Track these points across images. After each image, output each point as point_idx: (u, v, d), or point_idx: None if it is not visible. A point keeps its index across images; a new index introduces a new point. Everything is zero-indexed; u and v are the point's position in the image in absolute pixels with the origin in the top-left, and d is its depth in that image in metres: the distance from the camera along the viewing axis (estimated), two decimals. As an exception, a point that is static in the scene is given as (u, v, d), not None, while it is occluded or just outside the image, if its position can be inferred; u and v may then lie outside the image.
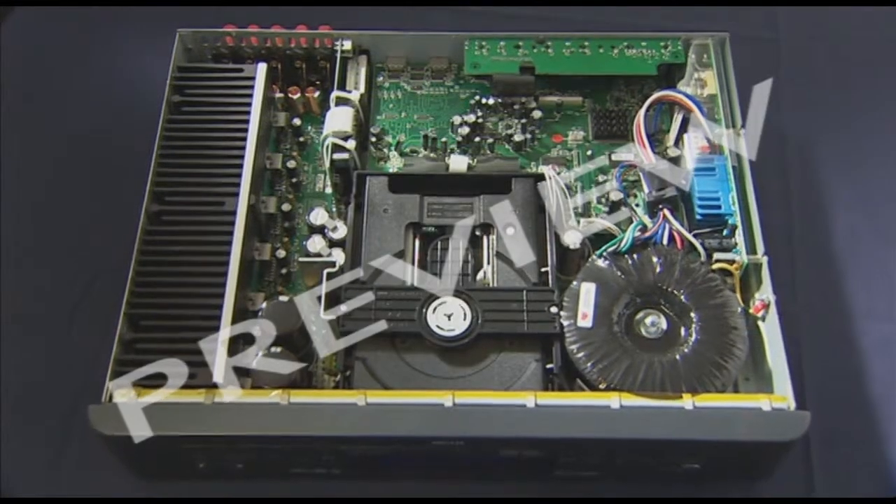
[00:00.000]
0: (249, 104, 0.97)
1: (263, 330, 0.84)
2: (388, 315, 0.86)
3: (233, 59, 1.06)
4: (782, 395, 0.83)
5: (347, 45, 1.05)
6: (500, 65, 1.05)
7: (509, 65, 1.05)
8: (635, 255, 0.89)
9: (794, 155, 1.09)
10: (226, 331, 0.84)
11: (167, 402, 0.81)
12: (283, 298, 0.86)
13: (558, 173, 0.96)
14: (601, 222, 0.94)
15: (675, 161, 0.97)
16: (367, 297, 0.86)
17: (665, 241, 0.91)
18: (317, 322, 0.86)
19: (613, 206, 0.97)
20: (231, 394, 0.82)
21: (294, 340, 0.85)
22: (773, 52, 1.17)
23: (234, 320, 0.86)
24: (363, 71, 1.06)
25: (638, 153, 0.99)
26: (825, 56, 1.16)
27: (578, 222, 0.95)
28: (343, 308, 0.85)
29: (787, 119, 1.10)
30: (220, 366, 0.83)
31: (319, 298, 0.86)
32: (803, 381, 0.91)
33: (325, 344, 0.86)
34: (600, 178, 1.00)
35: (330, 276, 0.87)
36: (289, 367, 0.83)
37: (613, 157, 1.02)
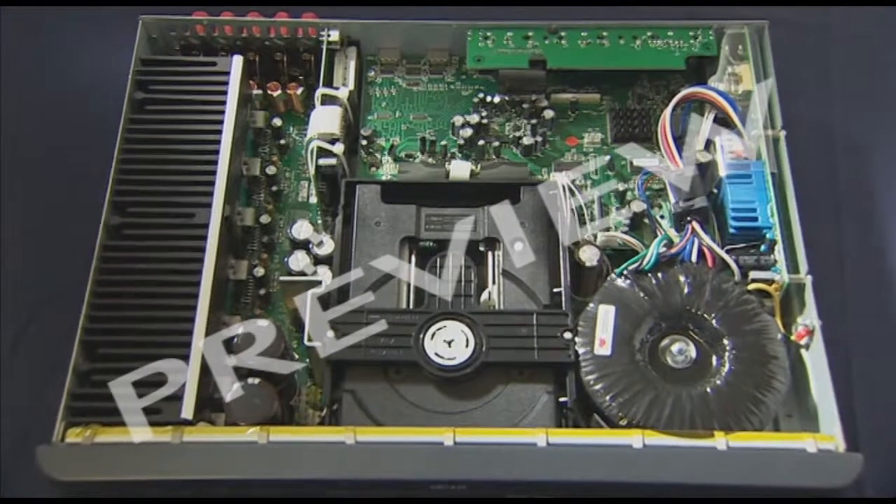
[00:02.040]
0: (223, 102, 0.99)
1: (239, 359, 0.86)
2: (380, 341, 0.87)
3: (204, 50, 1.08)
4: (829, 435, 0.84)
5: (334, 35, 1.07)
6: (506, 58, 1.07)
7: (517, 58, 1.07)
8: (660, 274, 0.91)
9: (844, 159, 1.10)
10: (196, 360, 0.86)
11: (129, 443, 0.82)
12: (262, 322, 0.87)
13: (573, 181, 0.98)
14: (621, 237, 0.97)
15: (706, 167, 0.99)
16: (359, 322, 0.88)
17: (694, 258, 0.93)
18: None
19: (635, 219, 0.99)
20: (202, 432, 0.83)
21: (274, 371, 0.86)
22: (820, 41, 1.18)
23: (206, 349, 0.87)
24: (352, 65, 1.08)
25: (663, 158, 1.01)
26: (883, 45, 1.17)
27: (595, 237, 0.97)
28: (329, 334, 0.87)
29: (837, 118, 1.12)
30: (189, 400, 0.84)
31: (303, 323, 0.88)
32: (854, 419, 0.92)
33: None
34: (620, 186, 1.02)
35: (315, 297, 0.89)
36: (268, 400, 0.84)
37: (635, 163, 1.04)
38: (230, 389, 0.84)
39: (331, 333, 0.87)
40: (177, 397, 0.84)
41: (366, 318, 0.88)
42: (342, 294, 0.90)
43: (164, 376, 0.84)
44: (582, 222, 0.98)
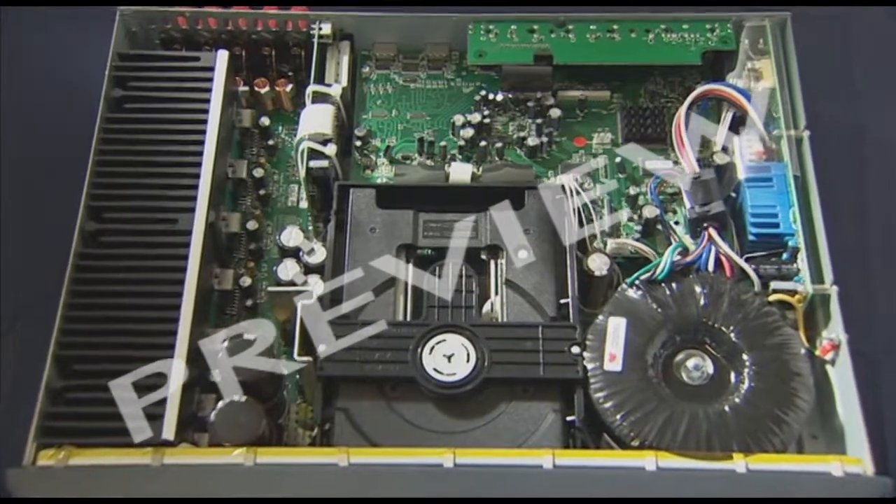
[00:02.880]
0: (207, 100, 0.99)
1: (224, 375, 0.86)
2: (375, 356, 0.88)
3: (186, 44, 1.08)
4: (856, 457, 0.84)
5: (326, 28, 1.07)
6: (510, 53, 1.07)
7: (522, 53, 1.07)
8: (674, 284, 0.92)
9: (871, 161, 1.10)
10: (178, 376, 0.86)
11: (106, 465, 0.82)
12: (249, 336, 0.88)
13: (581, 184, 0.99)
14: (633, 244, 0.97)
15: (724, 170, 1.00)
16: (353, 333, 0.88)
17: (711, 267, 0.93)
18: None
19: (648, 225, 1.00)
20: (185, 453, 0.83)
21: (262, 388, 0.87)
22: (846, 34, 1.18)
23: (190, 360, 0.87)
24: (345, 60, 1.08)
25: (678, 160, 1.01)
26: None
27: (605, 244, 0.97)
28: (322, 348, 0.88)
29: (864, 118, 1.12)
30: (170, 419, 0.84)
31: (292, 336, 0.88)
32: (883, 440, 0.93)
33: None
34: (632, 190, 1.03)
35: (305, 310, 0.90)
36: (255, 419, 0.85)
37: (648, 166, 1.04)
38: (214, 407, 0.84)
39: (323, 347, 0.87)
40: (157, 416, 0.84)
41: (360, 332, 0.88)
42: (335, 305, 0.90)
43: (143, 391, 0.85)
44: (591, 228, 0.98)
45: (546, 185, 0.97)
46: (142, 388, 0.85)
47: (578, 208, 0.96)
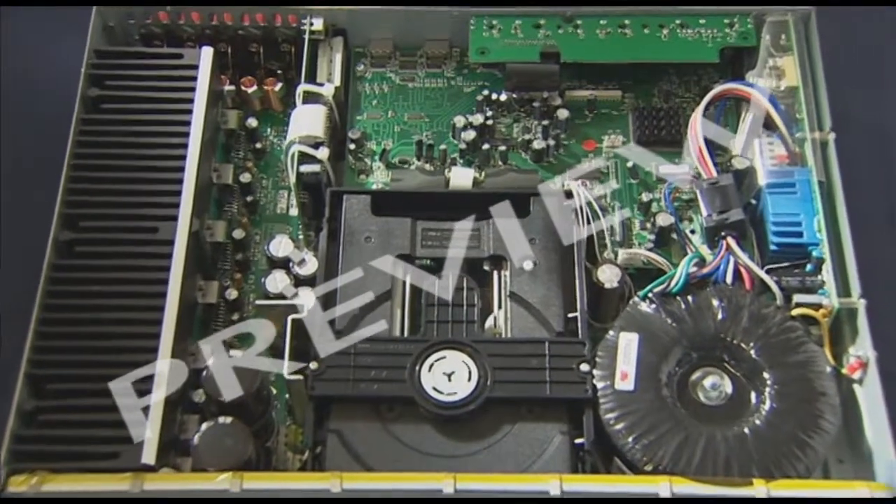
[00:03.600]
0: (191, 100, 1.00)
1: (208, 394, 0.86)
2: (370, 374, 0.88)
3: (168, 40, 1.09)
4: (885, 483, 0.85)
5: (318, 23, 1.08)
6: (515, 50, 1.08)
7: (527, 50, 1.08)
8: (690, 298, 0.92)
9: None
10: (160, 396, 0.86)
11: (82, 492, 0.82)
12: (236, 353, 0.88)
13: (590, 190, 0.99)
14: (645, 254, 0.97)
15: (743, 175, 1.00)
16: (345, 351, 0.89)
17: (729, 279, 0.93)
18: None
19: (662, 234, 1.00)
20: (166, 479, 0.84)
21: (249, 408, 0.87)
22: (875, 30, 1.19)
23: (172, 381, 0.88)
24: (339, 57, 1.09)
25: (694, 164, 1.02)
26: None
27: (616, 254, 0.98)
28: (313, 366, 0.88)
29: (894, 119, 1.13)
30: (151, 442, 0.84)
31: (282, 352, 0.89)
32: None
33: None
34: (645, 196, 1.03)
35: (295, 324, 0.90)
36: (241, 442, 0.85)
37: (662, 170, 1.05)
38: (198, 429, 0.85)
39: (314, 364, 0.88)
40: (136, 440, 0.84)
41: (354, 348, 0.89)
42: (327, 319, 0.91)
43: (120, 417, 0.85)
44: (601, 237, 0.99)
45: (550, 190, 0.97)
46: (122, 408, 0.85)
47: (588, 216, 0.96)
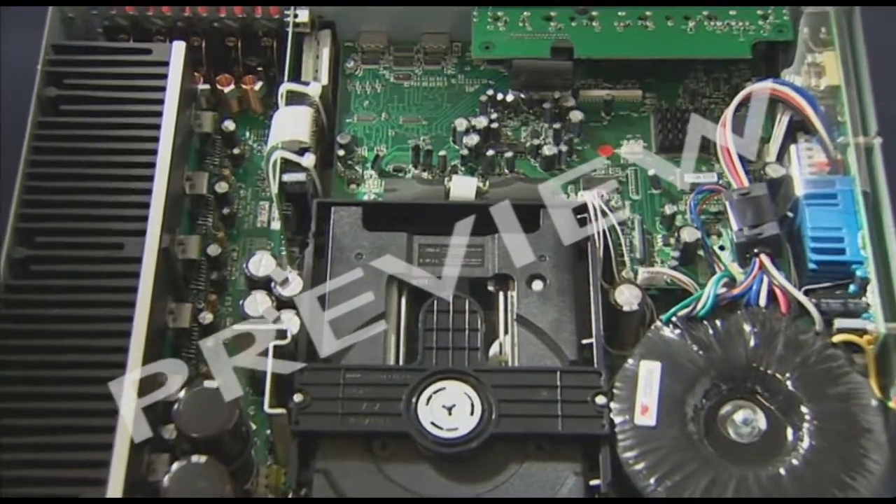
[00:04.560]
0: (161, 101, 1.00)
1: (180, 430, 0.87)
2: (362, 407, 0.89)
3: (135, 34, 1.10)
4: (936, 529, 0.86)
5: (303, 14, 1.09)
6: (522, 45, 1.09)
7: (536, 45, 1.08)
8: (719, 322, 0.93)
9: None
10: (125, 432, 0.87)
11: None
12: (210, 383, 0.89)
13: (607, 202, 1.01)
14: (669, 273, 0.98)
15: (778, 184, 1.01)
16: (333, 382, 0.90)
17: (762, 302, 0.94)
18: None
19: (687, 250, 1.01)
20: (133, 524, 0.84)
21: (225, 445, 0.88)
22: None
23: (139, 416, 0.88)
24: (326, 53, 1.10)
25: (724, 172, 1.03)
26: None
27: (636, 273, 0.99)
28: (297, 398, 0.89)
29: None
30: (116, 483, 0.85)
31: (263, 383, 0.90)
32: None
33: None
34: (668, 208, 1.04)
35: (277, 350, 0.91)
36: (217, 483, 0.85)
37: (687, 179, 1.06)
38: (168, 470, 0.85)
39: (299, 397, 0.88)
40: (99, 481, 0.85)
41: (343, 378, 0.90)
42: (312, 346, 0.92)
43: (82, 456, 0.85)
44: (619, 254, 1.00)
45: (559, 202, 0.99)
46: (81, 447, 0.86)
47: (605, 232, 0.97)
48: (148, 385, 0.89)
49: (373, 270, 0.95)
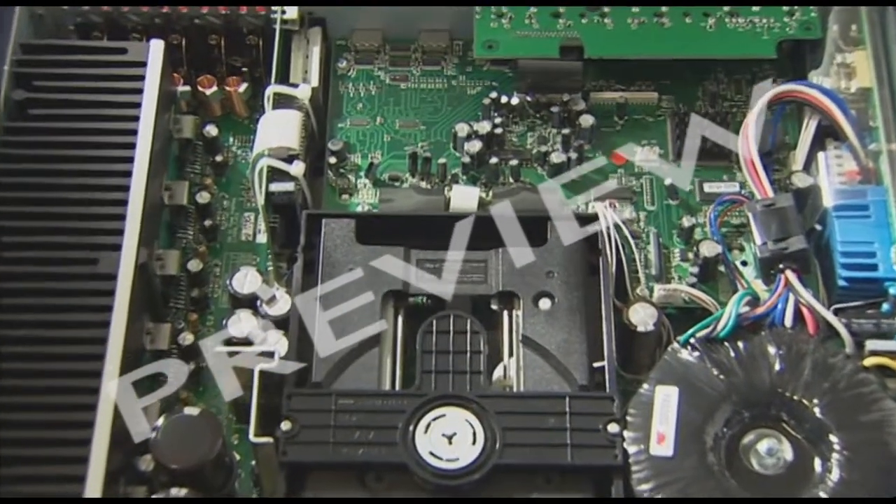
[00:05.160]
0: (137, 104, 1.01)
1: (158, 462, 0.87)
2: (355, 436, 0.89)
3: (110, 32, 1.10)
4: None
5: (291, 11, 1.09)
6: (529, 43, 1.09)
7: (544, 43, 1.09)
8: (741, 344, 0.93)
9: None
10: (99, 463, 0.87)
11: None
12: (191, 410, 0.89)
13: (620, 213, 1.02)
14: (687, 291, 0.99)
15: (805, 194, 1.02)
16: (324, 409, 0.90)
17: (788, 322, 0.94)
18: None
19: (707, 266, 1.01)
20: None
21: (206, 478, 0.88)
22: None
23: (114, 447, 0.88)
24: (316, 52, 1.10)
25: (746, 181, 1.03)
26: None
27: (652, 290, 0.99)
28: (285, 426, 0.89)
29: None
30: (90, 516, 0.85)
31: (248, 410, 0.90)
32: None
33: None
34: (686, 221, 1.04)
35: (264, 375, 0.91)
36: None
37: (707, 189, 1.07)
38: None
39: (287, 424, 0.89)
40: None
41: (335, 404, 0.90)
42: (302, 370, 0.92)
43: (55, 488, 0.86)
44: (633, 270, 1.00)
45: (565, 214, 0.99)
46: (51, 479, 0.86)
47: (617, 245, 0.98)
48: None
49: (367, 288, 0.95)
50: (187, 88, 1.11)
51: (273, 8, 1.09)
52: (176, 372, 0.92)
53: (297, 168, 1.00)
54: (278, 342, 0.94)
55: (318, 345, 0.93)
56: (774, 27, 1.09)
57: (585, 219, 0.98)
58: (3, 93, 1.01)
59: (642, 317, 0.95)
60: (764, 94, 1.03)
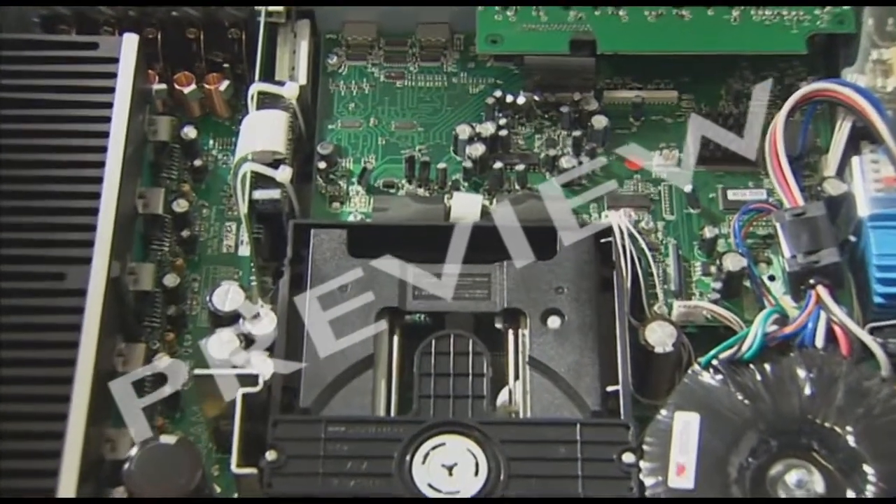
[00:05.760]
0: (109, 104, 1.01)
1: (132, 494, 0.88)
2: (346, 467, 0.89)
3: (80, 25, 1.11)
4: None
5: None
6: (536, 38, 1.09)
7: (553, 37, 1.09)
8: (768, 366, 0.93)
9: None
10: (68, 493, 0.87)
11: None
12: (167, 438, 0.89)
13: (636, 223, 1.02)
14: (709, 308, 0.99)
15: (839, 202, 1.02)
16: (313, 437, 0.90)
17: (819, 342, 0.95)
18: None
19: (731, 281, 1.01)
20: None
21: (185, 511, 0.89)
22: None
23: (84, 477, 0.88)
24: (304, 47, 1.11)
25: (774, 188, 1.04)
26: None
27: (671, 308, 1.00)
28: (270, 456, 0.89)
29: None
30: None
31: (229, 439, 0.91)
32: None
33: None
34: (707, 231, 1.04)
35: (248, 400, 0.91)
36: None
37: (731, 197, 1.07)
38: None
39: (273, 454, 0.89)
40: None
41: (325, 431, 0.91)
42: (288, 395, 0.93)
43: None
44: (651, 285, 1.01)
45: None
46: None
47: (633, 257, 0.98)
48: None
49: (360, 305, 0.96)
50: (163, 87, 1.11)
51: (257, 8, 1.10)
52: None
53: (284, 174, 1.01)
54: (262, 364, 0.94)
55: (307, 367, 0.94)
56: (804, 20, 1.09)
57: (600, 230, 0.99)
58: (-39, 93, 1.01)
59: (660, 336, 0.95)
60: (764, 95, 1.04)
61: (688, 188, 1.07)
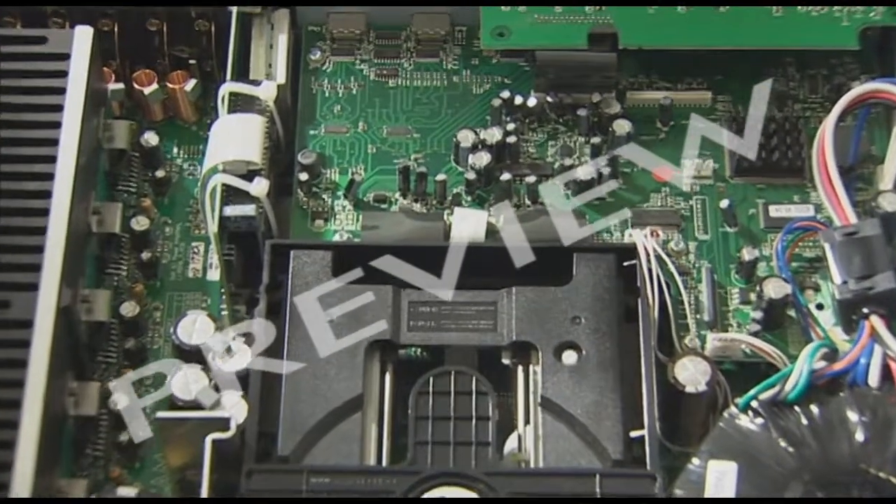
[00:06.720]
0: (59, 107, 1.02)
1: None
2: (333, 523, 0.90)
3: (25, 17, 1.12)
4: None
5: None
6: (550, 30, 1.11)
7: (568, 31, 1.10)
8: (815, 408, 0.94)
9: None
10: None
11: None
12: (125, 491, 0.90)
13: (664, 243, 1.03)
14: (749, 341, 1.00)
15: (895, 219, 1.03)
16: (292, 488, 0.91)
17: (874, 380, 0.95)
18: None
19: (773, 310, 1.02)
20: None
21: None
22: None
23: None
24: (283, 41, 1.12)
25: (823, 203, 1.05)
26: None
27: (704, 341, 1.01)
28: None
29: None
30: None
31: (197, 489, 0.91)
32: None
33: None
34: (746, 253, 1.04)
35: (219, 447, 0.92)
36: None
37: (773, 213, 1.07)
38: None
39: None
40: None
41: (306, 483, 0.91)
42: (265, 441, 0.94)
43: None
44: (681, 315, 1.02)
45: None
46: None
47: (660, 283, 0.99)
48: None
49: (348, 337, 0.97)
50: (121, 86, 1.12)
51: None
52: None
53: (259, 187, 1.01)
54: (235, 406, 0.94)
55: (286, 409, 0.95)
56: (856, 12, 1.10)
57: (620, 250, 1.00)
58: None
59: (692, 374, 0.96)
60: (762, 95, 1.05)
61: (724, 203, 1.07)
